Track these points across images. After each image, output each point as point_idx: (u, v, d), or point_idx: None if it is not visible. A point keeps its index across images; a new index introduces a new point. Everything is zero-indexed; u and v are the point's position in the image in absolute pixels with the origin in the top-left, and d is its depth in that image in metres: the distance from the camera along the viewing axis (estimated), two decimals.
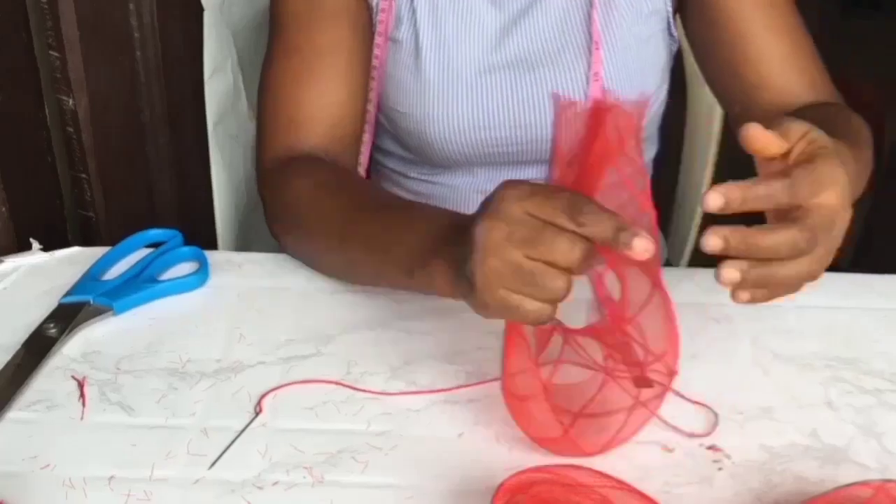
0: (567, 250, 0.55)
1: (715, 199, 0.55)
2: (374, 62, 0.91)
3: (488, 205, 0.58)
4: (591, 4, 0.89)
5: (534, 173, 0.94)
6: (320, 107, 0.87)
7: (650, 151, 1.01)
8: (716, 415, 0.69)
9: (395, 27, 0.91)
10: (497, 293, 0.57)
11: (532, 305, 0.57)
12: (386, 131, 0.97)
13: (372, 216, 0.76)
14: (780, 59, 0.88)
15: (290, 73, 0.88)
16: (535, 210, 0.56)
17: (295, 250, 0.84)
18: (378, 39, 0.91)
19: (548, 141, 0.91)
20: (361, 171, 0.97)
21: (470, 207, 0.95)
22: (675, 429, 0.68)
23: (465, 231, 0.60)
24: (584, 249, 0.55)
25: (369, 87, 0.92)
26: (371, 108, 0.93)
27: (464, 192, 0.96)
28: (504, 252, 0.56)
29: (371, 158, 1.01)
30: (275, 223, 0.85)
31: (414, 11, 0.90)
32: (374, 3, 0.90)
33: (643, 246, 0.54)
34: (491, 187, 0.93)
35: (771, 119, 0.74)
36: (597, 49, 0.88)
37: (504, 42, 0.90)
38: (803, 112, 0.83)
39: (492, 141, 0.90)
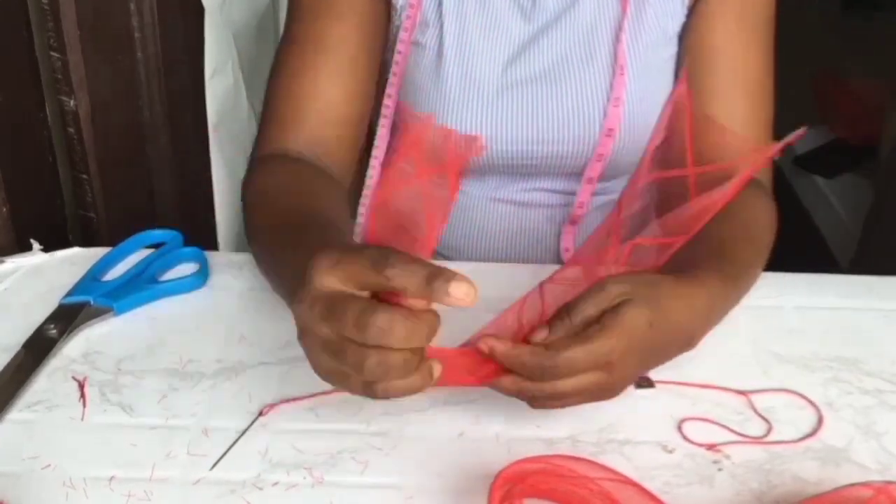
0: (380, 328, 0.51)
1: (483, 346, 0.61)
2: (397, 58, 0.91)
3: (302, 278, 0.55)
4: (620, 27, 0.88)
5: (546, 185, 0.94)
6: (312, 103, 0.87)
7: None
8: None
9: (420, 31, 0.90)
10: (320, 369, 0.56)
11: (355, 383, 0.54)
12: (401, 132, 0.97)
13: (281, 233, 0.74)
14: (732, 128, 0.88)
15: (288, 67, 0.88)
16: (342, 278, 0.53)
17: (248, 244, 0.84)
18: (402, 36, 0.90)
19: (563, 156, 0.90)
20: (377, 166, 0.97)
21: (478, 213, 0.96)
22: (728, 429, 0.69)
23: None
24: (404, 326, 0.51)
25: (388, 84, 0.92)
26: (390, 104, 0.93)
27: (474, 198, 0.96)
28: (314, 329, 0.54)
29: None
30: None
31: (441, 17, 0.89)
32: (398, 4, 0.90)
33: (462, 291, 0.50)
34: (501, 195, 0.94)
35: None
36: (621, 74, 0.87)
37: (527, 53, 0.89)
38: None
39: (507, 153, 0.90)
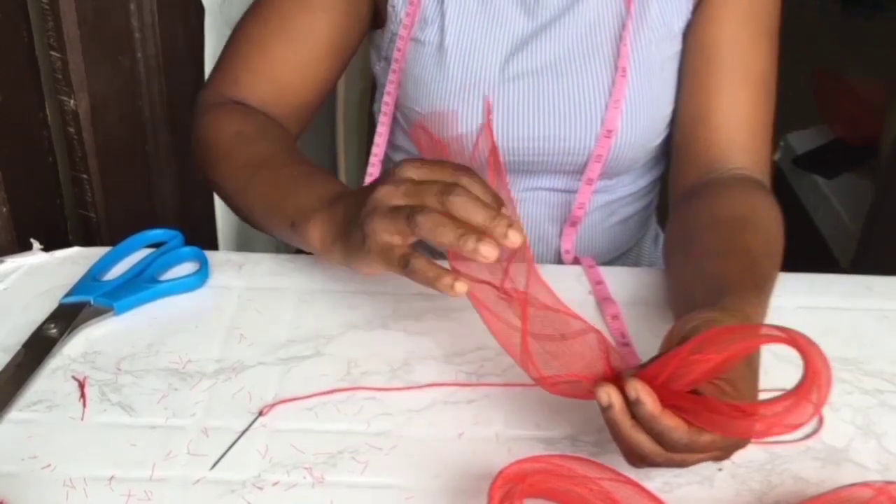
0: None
1: (603, 398, 0.57)
2: (396, 56, 0.91)
3: (385, 174, 0.65)
4: (623, 27, 0.88)
5: (546, 183, 0.94)
6: (266, 81, 0.89)
7: (658, 169, 1.00)
8: None
9: (420, 28, 0.90)
10: (378, 237, 0.63)
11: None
12: (401, 129, 0.97)
13: (275, 168, 0.80)
14: (734, 128, 0.88)
15: (250, 42, 0.89)
16: (418, 177, 0.64)
17: (213, 187, 0.88)
18: (402, 33, 0.90)
19: (562, 153, 0.90)
20: (377, 163, 0.98)
21: None
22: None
23: (351, 197, 0.69)
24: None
25: (388, 82, 0.93)
26: (390, 101, 0.94)
27: None
28: (386, 199, 0.63)
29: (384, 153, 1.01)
30: (197, 158, 0.88)
31: (442, 12, 0.90)
32: (396, 3, 0.90)
33: (486, 251, 0.58)
34: (502, 193, 0.94)
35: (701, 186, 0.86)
36: (623, 75, 0.87)
37: (528, 48, 0.89)
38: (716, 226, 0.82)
39: (508, 150, 0.90)
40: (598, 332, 0.61)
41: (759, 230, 0.80)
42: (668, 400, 0.57)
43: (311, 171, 0.79)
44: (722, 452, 0.60)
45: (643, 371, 0.58)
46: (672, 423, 0.56)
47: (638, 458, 0.60)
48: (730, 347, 0.55)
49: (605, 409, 0.58)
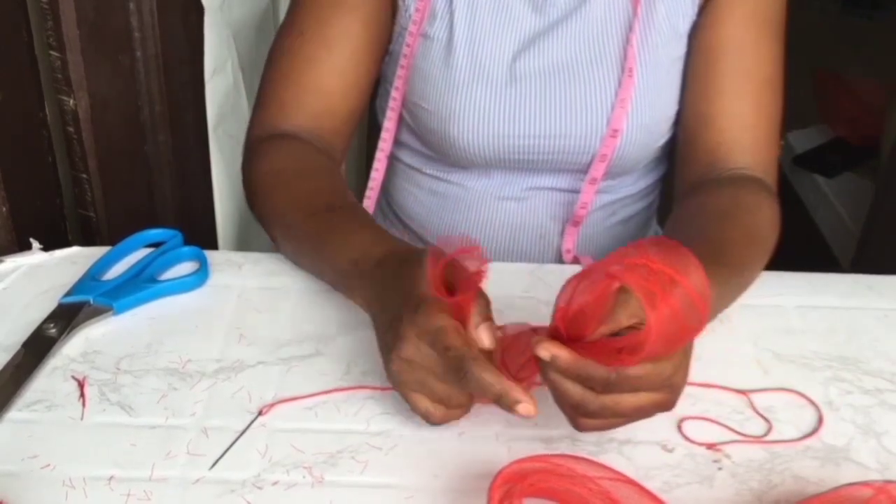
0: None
1: (544, 352, 0.59)
2: (405, 51, 0.91)
3: (394, 334, 0.63)
4: (630, 27, 0.88)
5: (550, 183, 0.94)
6: (313, 93, 0.88)
7: (659, 171, 1.00)
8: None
9: (429, 23, 0.90)
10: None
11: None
12: (407, 125, 0.97)
13: (316, 216, 0.80)
14: (738, 129, 0.88)
15: (291, 55, 0.89)
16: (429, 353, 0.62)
17: (262, 226, 0.88)
18: (411, 28, 0.90)
19: (567, 152, 0.91)
20: (383, 158, 0.98)
21: (482, 209, 0.96)
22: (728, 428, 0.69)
23: (391, 291, 0.67)
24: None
25: (396, 77, 0.93)
26: (397, 96, 0.94)
27: (477, 193, 0.96)
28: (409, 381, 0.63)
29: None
30: (248, 197, 0.89)
31: (451, 7, 0.90)
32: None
33: (525, 410, 0.58)
34: (505, 192, 0.95)
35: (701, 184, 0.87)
36: (629, 76, 0.88)
37: (536, 46, 0.89)
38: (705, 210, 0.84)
39: (513, 147, 0.90)
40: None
41: (739, 220, 0.81)
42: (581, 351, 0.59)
43: (348, 218, 0.79)
44: (662, 394, 0.61)
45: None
46: (592, 365, 0.58)
47: (571, 409, 0.61)
48: (588, 294, 0.58)
49: (543, 367, 0.60)
